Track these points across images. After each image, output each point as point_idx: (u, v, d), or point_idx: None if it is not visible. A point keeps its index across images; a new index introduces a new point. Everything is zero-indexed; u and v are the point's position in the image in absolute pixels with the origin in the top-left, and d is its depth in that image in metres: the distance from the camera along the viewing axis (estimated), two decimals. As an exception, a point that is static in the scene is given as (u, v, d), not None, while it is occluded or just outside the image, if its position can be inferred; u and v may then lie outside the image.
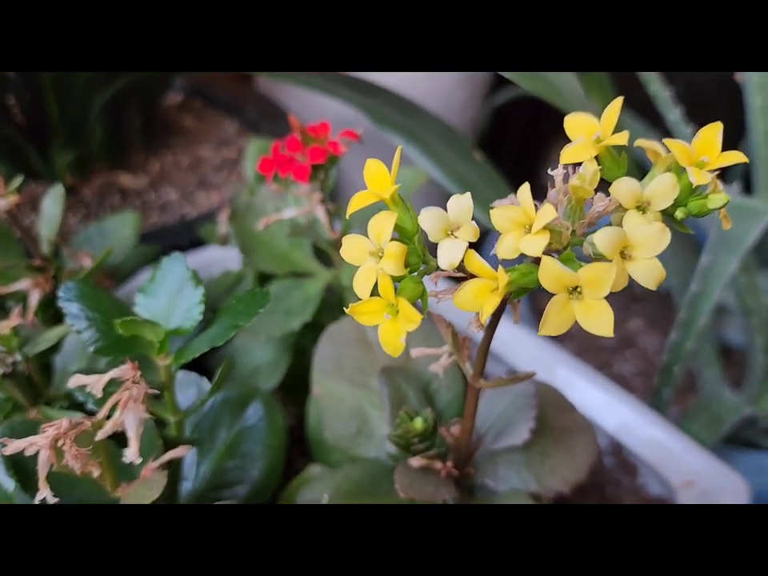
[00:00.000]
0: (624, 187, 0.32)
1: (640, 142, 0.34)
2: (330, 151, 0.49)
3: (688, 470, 0.60)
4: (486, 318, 0.30)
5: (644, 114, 0.74)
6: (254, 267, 0.60)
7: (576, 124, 0.34)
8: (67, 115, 0.78)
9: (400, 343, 0.30)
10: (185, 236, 0.74)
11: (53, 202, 0.53)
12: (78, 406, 0.44)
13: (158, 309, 0.42)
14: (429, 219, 0.31)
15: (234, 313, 0.40)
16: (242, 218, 0.59)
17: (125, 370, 0.38)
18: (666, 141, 0.33)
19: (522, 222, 0.31)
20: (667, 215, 0.33)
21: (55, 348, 0.49)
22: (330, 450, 0.52)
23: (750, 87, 0.65)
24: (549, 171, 0.35)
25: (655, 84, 0.63)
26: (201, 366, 0.62)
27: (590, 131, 0.34)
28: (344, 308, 0.54)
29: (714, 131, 0.33)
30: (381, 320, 0.31)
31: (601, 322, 0.29)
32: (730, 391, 0.73)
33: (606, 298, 0.29)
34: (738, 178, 0.80)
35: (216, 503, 0.43)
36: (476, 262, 0.30)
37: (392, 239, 0.32)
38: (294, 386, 0.60)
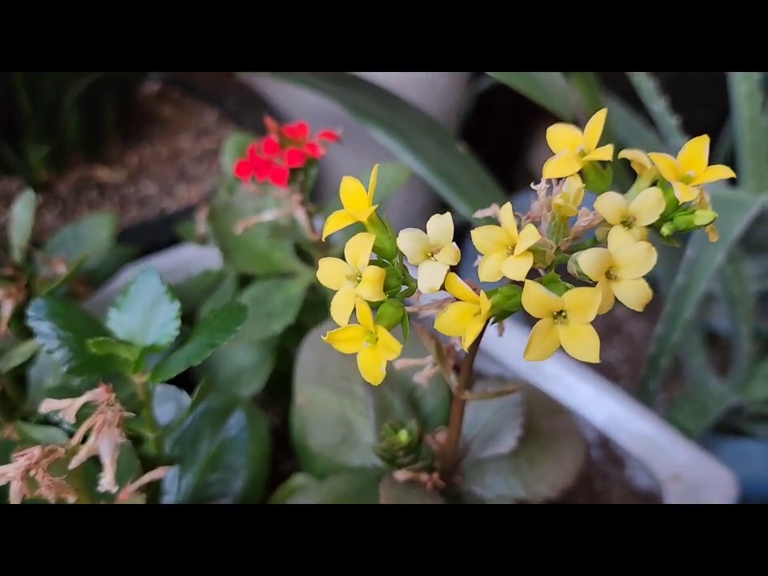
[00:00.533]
0: (609, 202, 0.31)
1: (625, 153, 0.33)
2: (308, 153, 0.48)
3: (675, 463, 0.60)
4: (468, 344, 0.29)
5: (629, 100, 0.73)
6: (235, 268, 0.59)
7: (559, 136, 0.33)
8: (40, 108, 0.76)
9: (380, 372, 0.29)
10: (164, 232, 0.72)
11: (23, 208, 0.51)
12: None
13: (133, 325, 0.41)
14: (408, 241, 0.30)
15: (210, 329, 0.39)
16: (220, 218, 0.58)
17: (98, 394, 0.37)
18: (652, 155, 0.31)
19: (505, 242, 0.30)
20: (653, 229, 0.32)
21: (30, 360, 0.48)
22: (315, 456, 0.51)
23: (735, 75, 0.64)
24: (531, 185, 0.34)
25: (639, 75, 0.61)
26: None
27: (573, 144, 0.33)
28: (327, 309, 0.53)
29: (700, 145, 0.32)
30: (360, 348, 0.30)
31: (586, 347, 0.28)
32: (716, 380, 0.73)
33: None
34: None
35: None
36: (458, 285, 0.29)
37: (370, 262, 0.31)
38: (278, 388, 0.59)
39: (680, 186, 0.31)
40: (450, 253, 0.30)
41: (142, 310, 0.41)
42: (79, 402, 0.36)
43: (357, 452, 0.49)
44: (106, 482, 0.34)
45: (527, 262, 0.29)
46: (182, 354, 0.39)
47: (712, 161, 0.32)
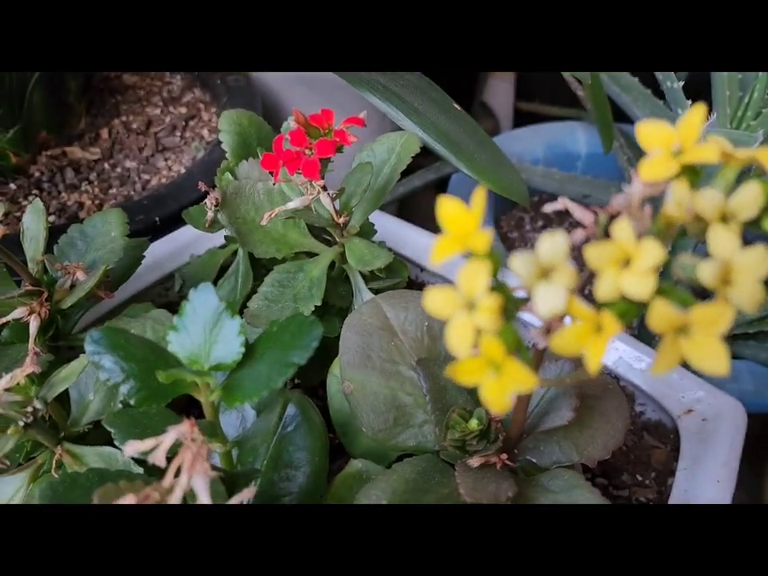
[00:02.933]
0: (708, 200, 0.31)
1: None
2: (338, 142, 0.46)
3: (687, 397, 0.62)
4: (597, 364, 0.29)
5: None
6: (253, 252, 0.57)
7: (650, 133, 0.33)
8: (3, 87, 0.70)
9: (507, 403, 0.29)
10: (155, 211, 0.69)
11: (34, 218, 0.48)
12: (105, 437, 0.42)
13: (194, 345, 0.40)
14: (522, 264, 0.29)
15: (283, 346, 0.38)
16: (232, 204, 0.56)
17: (183, 430, 0.35)
18: (743, 152, 0.31)
19: (618, 257, 0.29)
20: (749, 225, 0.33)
21: (68, 380, 0.46)
22: (357, 432, 0.52)
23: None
24: (623, 189, 0.33)
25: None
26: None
27: (667, 141, 0.32)
28: (349, 284, 0.52)
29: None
30: (483, 379, 0.29)
31: (716, 361, 0.29)
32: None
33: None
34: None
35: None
36: (578, 307, 0.29)
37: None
38: (307, 367, 0.59)
39: (779, 179, 0.31)
40: (568, 274, 0.29)
41: (202, 330, 0.40)
42: (167, 441, 0.35)
43: (410, 432, 0.49)
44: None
45: (650, 280, 0.29)
46: (256, 375, 0.38)
47: None
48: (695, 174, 0.33)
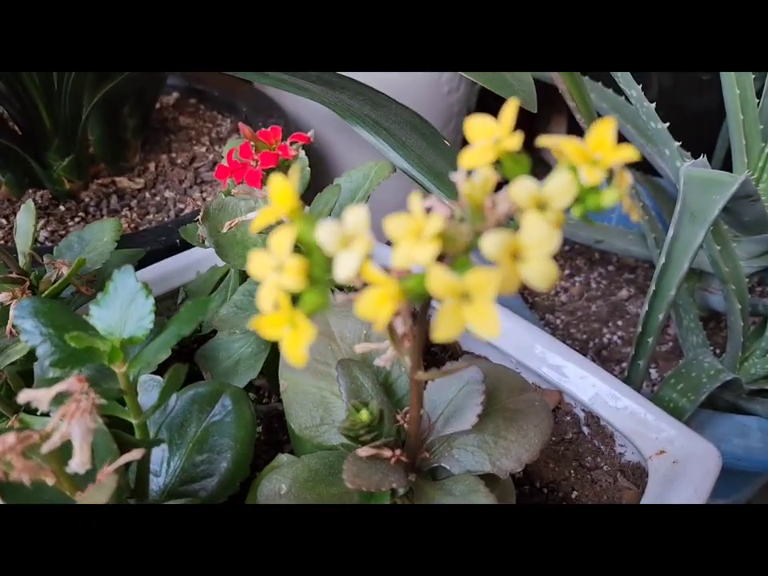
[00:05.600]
0: (521, 188, 0.33)
1: (542, 141, 0.35)
2: (280, 155, 0.51)
3: (660, 438, 0.61)
4: (382, 326, 0.31)
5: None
6: (231, 265, 0.63)
7: (477, 127, 0.36)
8: (59, 121, 0.81)
9: (302, 354, 0.32)
10: (177, 233, 0.76)
11: (25, 216, 0.55)
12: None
13: (112, 320, 0.45)
14: (327, 233, 0.33)
15: (179, 321, 0.43)
16: (214, 218, 0.61)
17: (72, 383, 0.40)
18: (561, 141, 0.33)
19: (416, 230, 0.32)
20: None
21: (34, 357, 0.52)
22: (300, 438, 0.54)
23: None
24: (449, 175, 0.36)
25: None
26: (185, 362, 0.65)
27: (490, 133, 0.35)
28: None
29: (606, 127, 0.33)
30: (282, 333, 0.32)
31: (488, 325, 0.31)
32: (712, 357, 0.74)
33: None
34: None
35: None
36: (371, 272, 0.32)
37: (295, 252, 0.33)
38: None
39: (587, 168, 0.33)
40: (364, 242, 0.32)
41: (119, 306, 0.45)
42: (53, 391, 0.40)
43: (334, 431, 0.52)
44: (75, 463, 0.38)
45: (434, 248, 0.31)
46: (153, 344, 0.43)
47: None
48: (519, 166, 0.35)
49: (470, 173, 0.36)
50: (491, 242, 0.31)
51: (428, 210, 0.35)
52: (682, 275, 0.63)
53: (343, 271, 0.32)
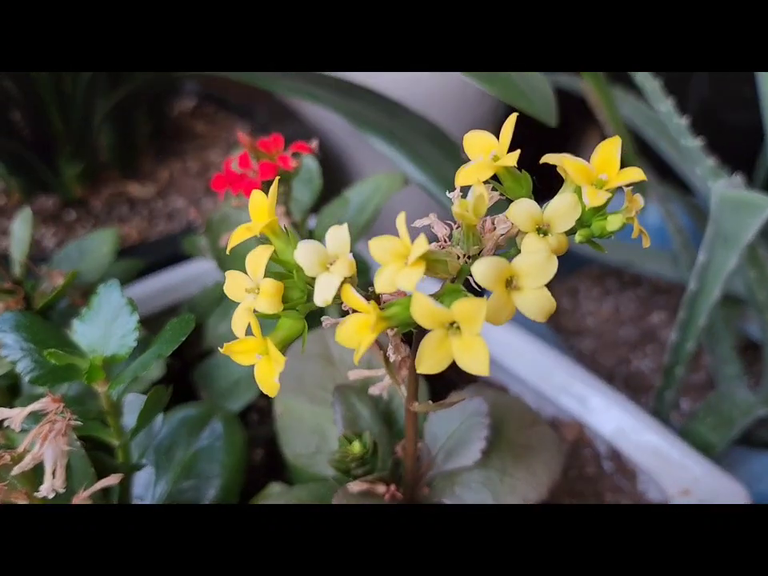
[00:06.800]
0: (520, 209, 0.30)
1: (547, 158, 0.32)
2: (280, 166, 0.48)
3: (685, 476, 0.57)
4: (360, 356, 0.28)
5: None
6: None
7: (475, 142, 0.33)
8: (71, 126, 0.80)
9: (274, 383, 0.29)
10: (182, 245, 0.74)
11: (21, 225, 0.53)
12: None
13: (95, 336, 0.42)
14: (305, 253, 0.30)
15: (161, 341, 0.40)
16: (216, 231, 0.59)
17: (46, 403, 0.38)
18: (564, 159, 0.30)
19: (402, 252, 0.29)
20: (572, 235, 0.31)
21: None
22: (293, 466, 0.52)
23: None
24: (446, 193, 0.33)
25: (642, 74, 0.59)
26: (185, 380, 0.63)
27: (488, 150, 0.32)
28: (318, 315, 0.53)
29: (612, 147, 0.30)
30: (254, 360, 0.30)
31: (476, 360, 0.27)
32: (746, 390, 0.69)
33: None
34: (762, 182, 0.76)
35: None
36: (352, 297, 0.29)
37: (273, 272, 0.31)
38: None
39: (589, 189, 0.29)
40: (345, 264, 0.29)
41: (103, 322, 0.43)
42: (26, 410, 0.38)
43: (330, 462, 0.49)
44: (44, 488, 0.36)
45: (418, 272, 0.28)
46: (135, 364, 0.40)
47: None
48: (520, 185, 0.32)
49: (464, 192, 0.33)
50: (482, 268, 0.28)
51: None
52: (714, 301, 0.59)
53: (321, 295, 0.29)
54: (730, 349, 0.72)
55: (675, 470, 0.58)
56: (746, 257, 0.62)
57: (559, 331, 0.88)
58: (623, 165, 0.30)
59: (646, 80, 0.59)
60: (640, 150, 0.80)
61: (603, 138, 0.32)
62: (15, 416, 0.38)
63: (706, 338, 0.71)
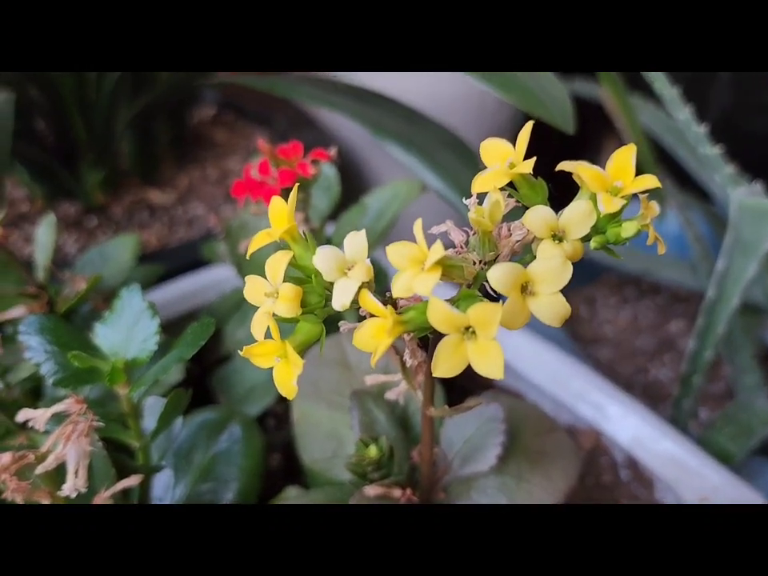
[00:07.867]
0: (536, 216, 0.31)
1: (563, 166, 0.32)
2: (299, 174, 0.49)
3: (703, 485, 0.57)
4: (377, 359, 0.29)
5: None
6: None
7: (491, 150, 0.33)
8: (94, 134, 0.81)
9: (292, 386, 0.30)
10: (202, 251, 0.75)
11: (46, 230, 0.55)
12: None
13: (117, 339, 0.43)
14: (323, 258, 0.30)
15: (182, 344, 0.41)
16: (235, 237, 0.60)
17: (70, 404, 0.39)
18: (578, 166, 0.31)
19: (419, 258, 0.29)
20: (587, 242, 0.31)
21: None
22: (310, 470, 0.52)
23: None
24: (463, 200, 0.33)
25: (660, 81, 0.59)
26: (204, 385, 0.63)
27: (505, 157, 0.32)
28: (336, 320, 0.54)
29: (627, 155, 0.30)
30: (273, 363, 0.30)
31: (491, 364, 0.28)
32: (765, 400, 0.69)
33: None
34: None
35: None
36: (369, 301, 0.29)
37: (292, 277, 0.31)
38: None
39: (604, 196, 0.30)
40: (363, 269, 0.30)
41: (125, 326, 0.43)
42: (50, 411, 0.38)
43: (347, 467, 0.49)
44: (67, 487, 0.36)
45: (435, 277, 0.28)
46: (155, 367, 0.41)
47: None
48: (535, 192, 0.32)
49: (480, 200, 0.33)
50: (498, 274, 0.28)
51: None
52: (732, 309, 0.59)
53: (339, 299, 0.30)
54: (749, 358, 0.71)
55: (693, 479, 0.58)
56: (766, 265, 0.62)
57: (577, 340, 0.88)
58: (641, 172, 0.31)
59: (665, 88, 0.59)
60: (659, 158, 0.80)
61: (621, 145, 0.32)
62: (39, 417, 0.38)
63: (725, 347, 0.70)
